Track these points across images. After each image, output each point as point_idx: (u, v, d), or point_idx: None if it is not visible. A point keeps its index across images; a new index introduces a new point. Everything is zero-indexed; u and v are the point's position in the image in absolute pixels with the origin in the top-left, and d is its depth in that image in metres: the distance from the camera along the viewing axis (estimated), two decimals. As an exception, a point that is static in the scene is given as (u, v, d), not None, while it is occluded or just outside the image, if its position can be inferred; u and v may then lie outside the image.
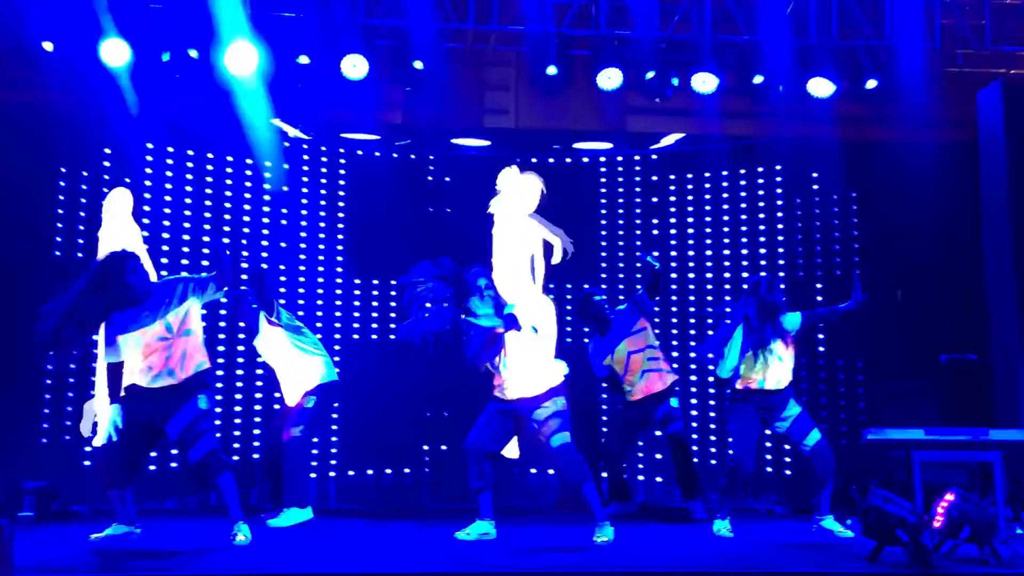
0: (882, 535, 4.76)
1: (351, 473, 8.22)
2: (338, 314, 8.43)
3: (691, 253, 8.53)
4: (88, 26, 6.53)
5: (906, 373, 7.59)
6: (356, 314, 8.50)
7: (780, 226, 8.33)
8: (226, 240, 7.84)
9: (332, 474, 8.19)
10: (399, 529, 6.16)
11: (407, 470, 8.31)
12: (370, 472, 8.24)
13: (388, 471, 8.31)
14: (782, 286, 6.42)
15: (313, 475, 7.10)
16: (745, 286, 6.30)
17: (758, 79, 7.24)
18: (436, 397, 8.19)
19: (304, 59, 6.92)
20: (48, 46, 6.63)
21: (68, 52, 6.65)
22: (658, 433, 7.26)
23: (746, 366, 5.90)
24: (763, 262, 8.33)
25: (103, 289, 4.92)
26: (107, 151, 7.45)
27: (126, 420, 5.03)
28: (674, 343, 8.50)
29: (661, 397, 6.81)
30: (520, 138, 8.32)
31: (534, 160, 8.75)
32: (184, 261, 7.67)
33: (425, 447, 8.32)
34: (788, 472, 8.00)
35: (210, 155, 7.95)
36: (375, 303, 8.57)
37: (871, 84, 7.19)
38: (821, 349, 8.06)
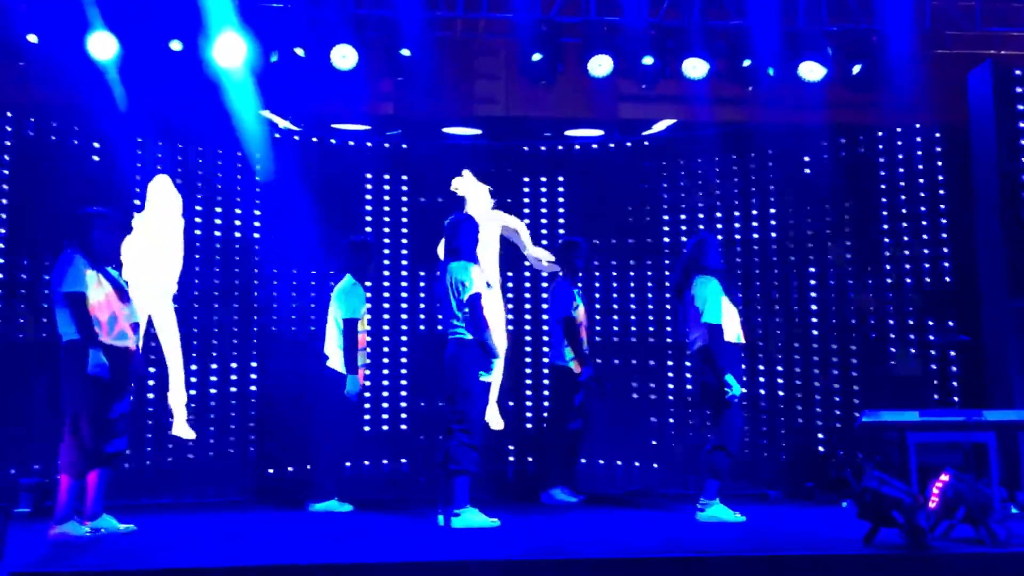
0: (878, 517, 4.79)
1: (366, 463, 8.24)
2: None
3: (684, 239, 8.52)
4: (74, 19, 6.47)
5: (899, 355, 7.62)
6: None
7: (772, 210, 8.33)
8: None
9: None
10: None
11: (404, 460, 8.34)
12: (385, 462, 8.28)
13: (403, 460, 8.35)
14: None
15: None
16: None
17: (747, 63, 7.22)
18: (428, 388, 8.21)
19: (300, 51, 6.88)
20: (33, 39, 6.57)
21: (54, 45, 6.58)
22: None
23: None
24: (755, 247, 8.33)
25: None
26: (96, 145, 7.40)
27: None
28: (668, 329, 8.51)
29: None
30: (511, 126, 8.31)
31: (525, 148, 8.76)
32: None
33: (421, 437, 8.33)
34: (783, 456, 8.02)
35: (200, 148, 7.91)
36: (368, 294, 8.53)
37: (856, 69, 7.19)
38: (815, 333, 8.07)
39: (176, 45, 6.70)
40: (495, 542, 5.13)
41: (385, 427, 8.42)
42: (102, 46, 6.58)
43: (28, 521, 6.06)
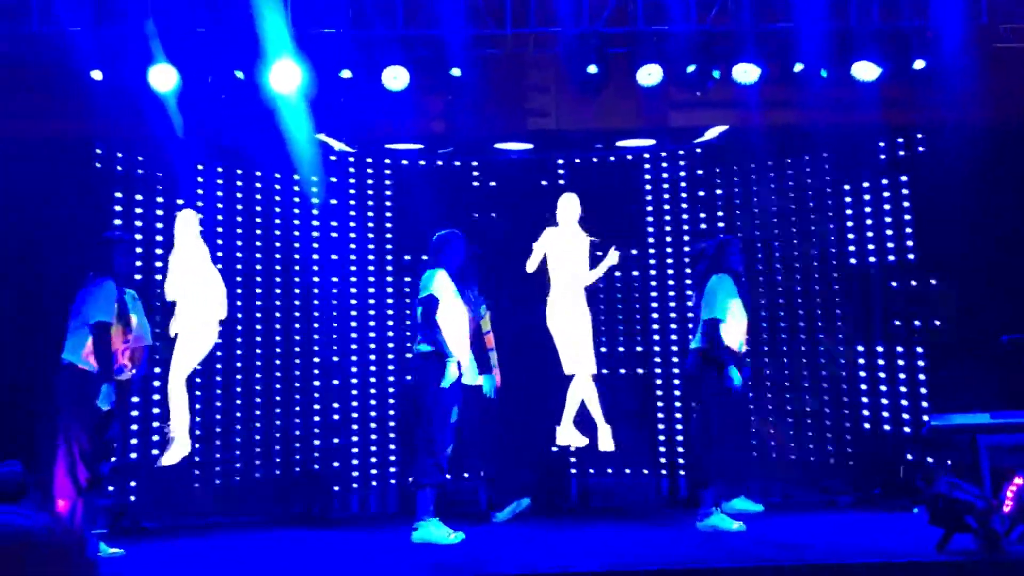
0: (951, 522, 4.69)
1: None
2: (390, 323, 8.50)
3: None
4: (137, 53, 6.67)
5: (967, 357, 7.44)
6: (407, 323, 8.56)
7: (830, 214, 8.22)
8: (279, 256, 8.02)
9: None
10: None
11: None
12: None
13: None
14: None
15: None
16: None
17: (799, 67, 7.15)
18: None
19: (346, 73, 7.01)
20: (97, 75, 6.79)
21: (117, 80, 6.80)
22: None
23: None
24: (814, 251, 8.22)
25: None
26: (159, 175, 7.61)
27: None
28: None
29: None
30: (562, 139, 8.33)
31: (577, 160, 8.77)
32: (238, 279, 7.80)
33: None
34: (851, 463, 7.88)
35: (258, 173, 8.09)
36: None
37: (919, 64, 7.06)
38: (879, 336, 7.92)
39: (235, 73, 6.87)
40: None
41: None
42: (163, 78, 6.77)
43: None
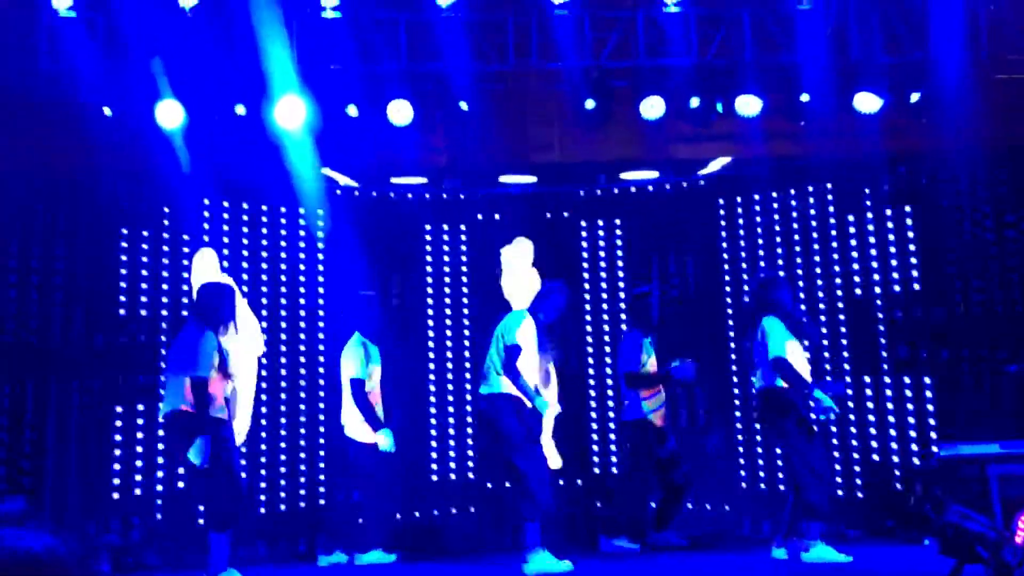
0: (961, 553, 4.63)
1: (416, 514, 8.24)
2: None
3: (745, 276, 8.45)
4: (144, 89, 6.74)
5: (976, 386, 7.40)
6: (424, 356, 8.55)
7: (834, 244, 8.21)
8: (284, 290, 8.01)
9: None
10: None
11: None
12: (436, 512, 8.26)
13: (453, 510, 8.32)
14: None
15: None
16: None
17: (805, 97, 7.20)
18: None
19: (352, 110, 7.06)
20: (107, 111, 6.86)
21: (125, 116, 6.86)
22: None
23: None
24: (820, 281, 8.21)
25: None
26: (166, 210, 7.66)
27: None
28: (734, 368, 8.40)
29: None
30: (566, 171, 8.37)
31: (581, 193, 8.80)
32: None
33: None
34: (861, 495, 7.81)
35: (264, 207, 8.13)
36: (431, 344, 8.60)
37: (915, 97, 7.11)
38: (885, 367, 7.88)
39: (240, 109, 6.93)
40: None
41: (453, 475, 8.43)
42: (170, 114, 6.83)
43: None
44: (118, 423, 7.23)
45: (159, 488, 7.23)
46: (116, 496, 7.22)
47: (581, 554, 6.44)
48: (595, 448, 8.59)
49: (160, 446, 7.22)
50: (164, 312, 7.56)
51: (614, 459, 8.48)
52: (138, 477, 7.24)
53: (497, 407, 5.93)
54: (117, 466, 7.26)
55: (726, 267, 8.56)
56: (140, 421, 7.31)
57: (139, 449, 7.31)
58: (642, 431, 6.93)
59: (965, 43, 6.96)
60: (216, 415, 5.46)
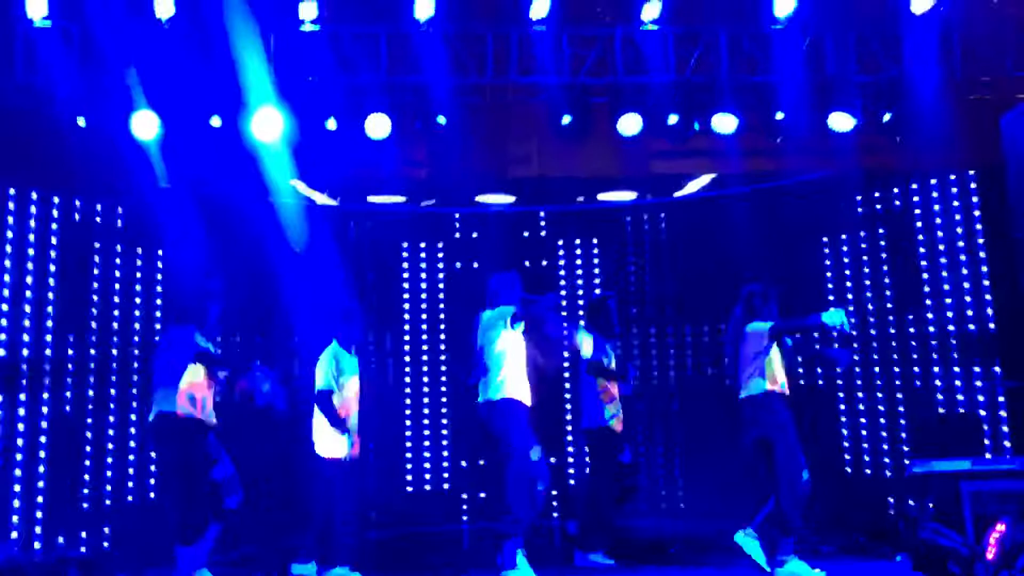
0: (934, 569, 4.66)
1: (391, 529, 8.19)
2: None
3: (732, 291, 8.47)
4: (119, 100, 6.69)
5: (954, 402, 7.45)
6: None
7: (809, 262, 8.27)
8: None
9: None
10: None
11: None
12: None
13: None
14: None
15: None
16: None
17: (780, 116, 7.25)
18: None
19: (331, 123, 7.04)
20: (81, 122, 6.80)
21: (100, 127, 6.80)
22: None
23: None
24: (796, 297, 8.24)
25: None
26: (141, 223, 7.59)
27: None
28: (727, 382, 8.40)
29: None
30: (544, 187, 8.38)
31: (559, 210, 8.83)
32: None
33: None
34: (834, 509, 7.82)
35: (239, 221, 8.08)
36: (407, 357, 8.59)
37: (887, 117, 7.19)
38: (859, 383, 7.93)
39: (216, 121, 6.89)
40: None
41: (427, 487, 8.40)
42: (145, 125, 6.77)
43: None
44: (88, 434, 7.15)
45: (129, 499, 7.14)
46: (86, 507, 7.14)
47: (556, 569, 6.39)
48: (571, 460, 8.58)
49: (131, 457, 7.15)
50: (136, 325, 7.50)
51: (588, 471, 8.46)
52: (108, 488, 7.16)
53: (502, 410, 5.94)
54: (87, 476, 7.18)
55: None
56: (111, 432, 7.23)
57: (109, 460, 7.23)
58: (604, 438, 6.94)
59: (938, 62, 7.04)
60: (208, 419, 5.46)
